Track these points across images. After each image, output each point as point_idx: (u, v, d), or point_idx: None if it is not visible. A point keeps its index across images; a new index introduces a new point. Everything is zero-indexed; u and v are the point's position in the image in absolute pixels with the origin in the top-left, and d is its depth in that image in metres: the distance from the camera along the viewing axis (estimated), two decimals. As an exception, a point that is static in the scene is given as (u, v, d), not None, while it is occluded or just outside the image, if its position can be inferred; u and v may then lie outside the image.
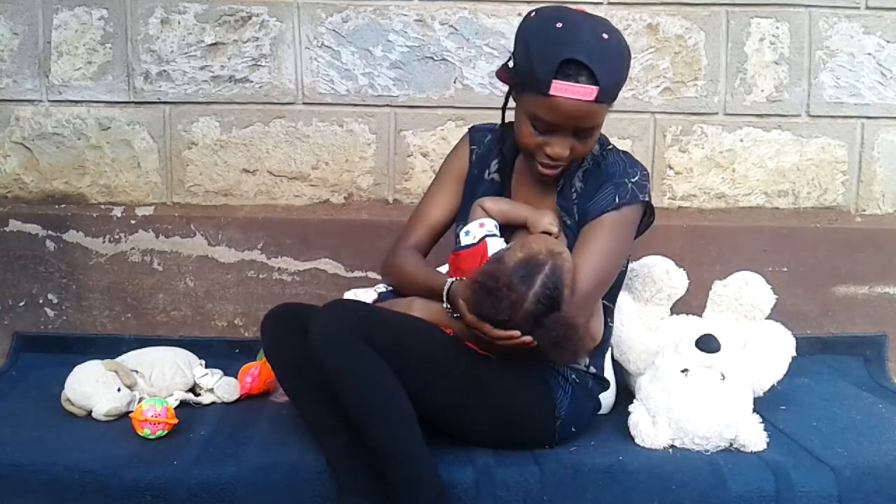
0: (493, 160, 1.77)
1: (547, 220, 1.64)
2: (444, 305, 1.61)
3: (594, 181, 1.66)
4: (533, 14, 1.57)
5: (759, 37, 2.32)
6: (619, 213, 1.62)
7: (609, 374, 1.86)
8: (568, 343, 1.47)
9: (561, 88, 1.48)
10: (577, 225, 1.66)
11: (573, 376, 1.67)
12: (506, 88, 1.67)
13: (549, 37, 1.50)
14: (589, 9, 2.21)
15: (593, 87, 1.48)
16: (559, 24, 1.50)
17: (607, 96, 1.52)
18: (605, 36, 1.50)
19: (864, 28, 2.33)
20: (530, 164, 1.64)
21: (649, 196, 1.67)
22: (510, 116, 1.68)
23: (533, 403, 1.64)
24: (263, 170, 2.35)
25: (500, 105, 1.72)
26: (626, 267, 1.80)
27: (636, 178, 1.64)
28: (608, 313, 1.76)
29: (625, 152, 1.71)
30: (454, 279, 1.61)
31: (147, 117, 2.32)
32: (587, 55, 1.47)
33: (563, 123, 1.54)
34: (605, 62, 1.49)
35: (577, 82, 1.48)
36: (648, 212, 1.70)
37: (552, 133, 1.56)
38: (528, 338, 1.49)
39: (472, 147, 1.79)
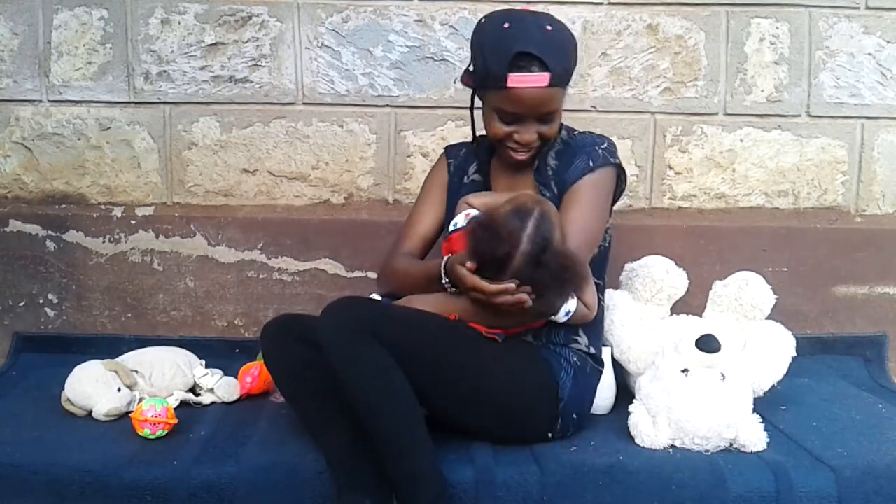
0: (470, 166, 1.87)
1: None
2: (444, 280, 1.64)
3: (567, 156, 1.76)
4: (483, 20, 1.70)
5: (759, 37, 2.32)
6: (595, 175, 1.72)
7: (609, 374, 1.86)
8: (568, 273, 1.55)
9: (517, 80, 1.61)
10: (556, 197, 1.74)
11: (574, 359, 1.71)
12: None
13: (499, 37, 1.64)
14: (589, 10, 2.28)
15: (545, 73, 1.61)
16: (506, 25, 1.64)
17: (560, 80, 1.64)
18: (549, 28, 1.64)
19: (864, 28, 2.33)
20: (504, 154, 1.74)
21: (620, 161, 1.76)
22: (478, 120, 1.77)
23: (537, 385, 1.66)
24: (263, 170, 2.35)
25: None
26: (609, 242, 1.84)
27: (605, 144, 1.76)
28: (600, 291, 1.79)
29: (589, 131, 1.82)
30: (450, 255, 1.65)
31: (147, 117, 2.33)
32: (536, 46, 1.61)
33: (526, 111, 1.66)
34: (553, 50, 1.63)
35: (531, 72, 1.61)
36: (621, 178, 1.79)
37: (518, 122, 1.68)
38: (523, 295, 1.53)
39: (450, 160, 1.91)
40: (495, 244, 1.54)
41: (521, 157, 1.72)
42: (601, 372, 1.81)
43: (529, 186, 1.76)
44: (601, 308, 1.80)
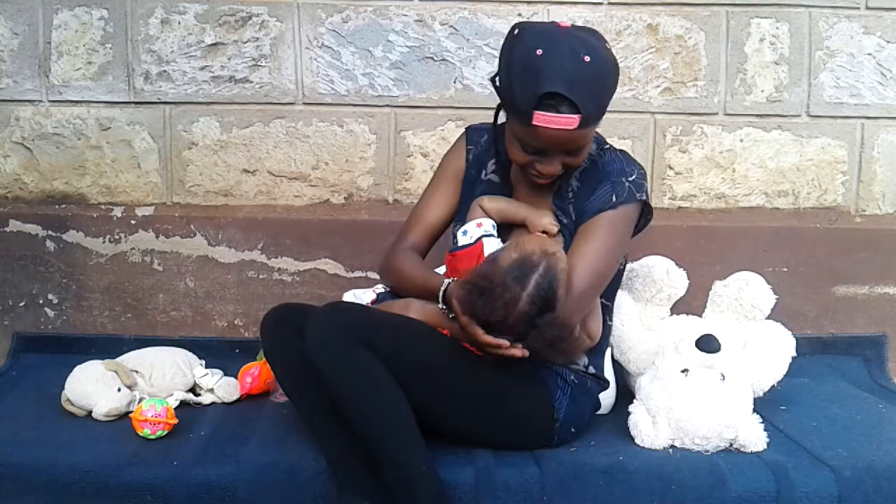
0: (489, 160, 1.77)
1: (546, 220, 1.65)
2: (441, 307, 1.61)
3: (591, 180, 1.66)
4: (516, 33, 1.55)
5: (759, 37, 2.32)
6: (616, 213, 1.62)
7: (609, 374, 1.86)
8: (562, 344, 1.47)
9: (543, 119, 1.49)
10: (573, 224, 1.66)
11: (572, 377, 1.67)
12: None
13: (529, 66, 1.49)
14: (589, 10, 2.27)
15: (575, 116, 1.48)
16: (539, 52, 1.48)
17: (591, 120, 1.52)
18: (587, 59, 1.48)
19: (864, 28, 2.33)
20: (524, 172, 1.65)
21: (647, 195, 1.67)
22: (502, 117, 1.68)
23: (531, 405, 1.64)
24: (263, 170, 2.35)
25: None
26: (625, 266, 1.80)
27: (633, 176, 1.64)
28: (607, 312, 1.76)
29: (622, 151, 1.71)
30: (450, 280, 1.61)
31: (147, 117, 2.32)
32: (567, 86, 1.46)
33: (549, 148, 1.55)
34: (586, 88, 1.48)
35: (559, 113, 1.48)
36: (646, 210, 1.70)
37: (541, 154, 1.57)
38: (517, 350, 1.48)
39: (469, 147, 1.80)
40: (490, 310, 1.47)
41: (541, 182, 1.63)
42: (602, 388, 1.78)
43: (547, 207, 1.68)
44: (607, 328, 1.75)
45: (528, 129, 1.52)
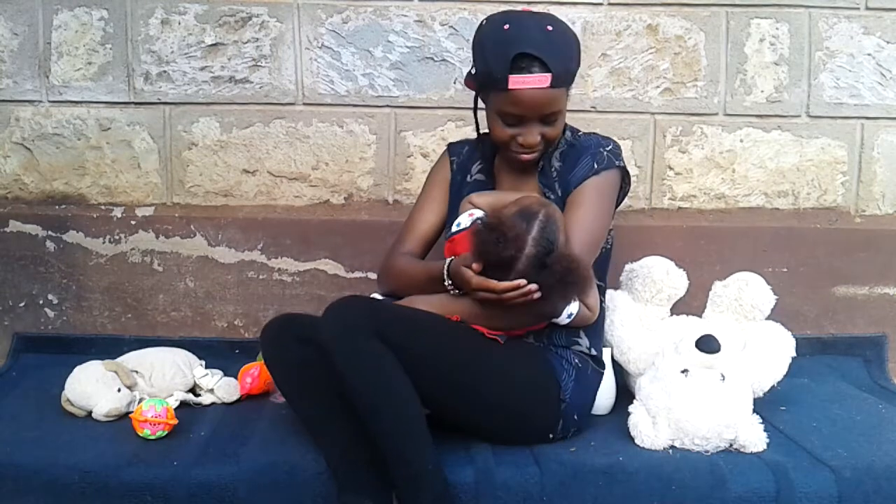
0: (473, 164, 1.86)
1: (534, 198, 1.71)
2: (446, 282, 1.64)
3: (571, 158, 1.76)
4: (484, 22, 1.69)
5: (758, 37, 2.32)
6: (600, 177, 1.72)
7: (609, 374, 1.86)
8: (572, 277, 1.54)
9: (517, 81, 1.60)
10: (560, 199, 1.74)
11: (576, 360, 1.71)
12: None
13: (499, 38, 1.63)
14: (589, 10, 2.28)
15: (546, 74, 1.60)
16: (507, 26, 1.63)
17: (561, 81, 1.63)
18: (550, 28, 1.63)
19: (864, 29, 2.33)
20: (508, 156, 1.73)
21: (624, 163, 1.76)
22: (482, 118, 1.78)
23: (539, 386, 1.67)
24: (263, 170, 2.35)
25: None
26: (611, 244, 1.84)
27: (610, 146, 1.76)
28: (600, 292, 1.79)
29: (594, 133, 1.82)
30: (453, 257, 1.65)
31: (147, 118, 2.33)
32: (536, 47, 1.60)
33: (528, 113, 1.65)
34: (554, 51, 1.61)
35: (531, 73, 1.60)
36: (626, 180, 1.79)
37: (521, 124, 1.67)
38: (533, 286, 1.53)
39: (453, 158, 1.90)
40: (500, 246, 1.54)
41: (525, 157, 1.71)
42: (602, 374, 1.81)
43: (533, 188, 1.76)
44: (602, 309, 1.80)
45: (505, 95, 1.62)
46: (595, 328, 1.78)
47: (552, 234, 1.58)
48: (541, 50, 1.59)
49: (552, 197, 1.74)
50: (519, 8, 1.73)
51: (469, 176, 1.85)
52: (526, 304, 1.56)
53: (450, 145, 1.93)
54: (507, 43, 1.61)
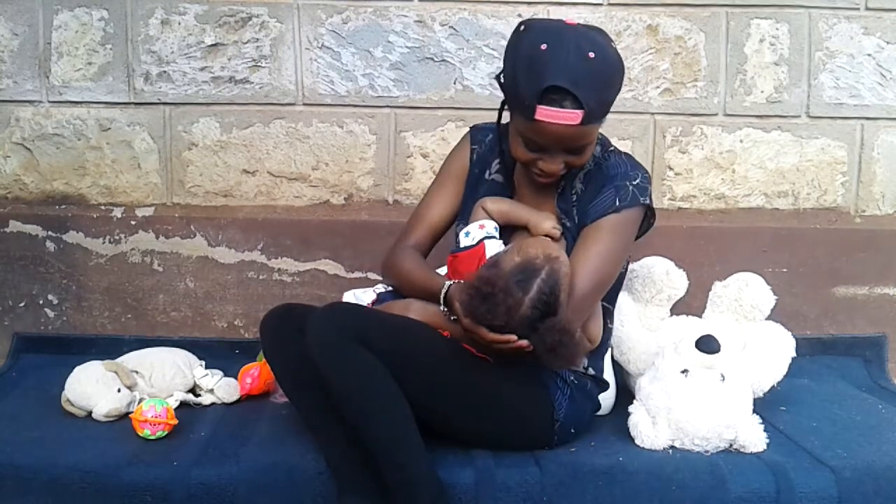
0: (493, 160, 1.77)
1: (549, 223, 1.64)
2: (441, 308, 1.61)
3: (595, 183, 1.66)
4: (522, 29, 1.55)
5: (758, 38, 2.32)
6: (620, 216, 1.62)
7: (609, 374, 1.86)
8: (563, 349, 1.47)
9: (545, 114, 1.49)
10: (576, 227, 1.66)
11: (572, 378, 1.67)
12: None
13: (533, 60, 1.49)
14: (589, 10, 2.27)
15: (578, 111, 1.48)
16: (544, 46, 1.48)
17: (593, 117, 1.51)
18: (592, 55, 1.48)
19: (864, 29, 2.33)
20: (527, 172, 1.65)
21: (650, 199, 1.67)
22: (505, 115, 1.68)
23: (531, 406, 1.64)
24: (263, 171, 2.35)
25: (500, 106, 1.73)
26: (626, 269, 1.80)
27: (637, 180, 1.64)
28: (607, 315, 1.75)
29: (626, 154, 1.71)
30: (452, 282, 1.61)
31: (147, 118, 2.33)
32: (571, 80, 1.46)
33: (552, 145, 1.55)
34: (590, 84, 1.48)
35: (562, 107, 1.48)
36: (649, 214, 1.69)
37: (543, 151, 1.57)
38: (524, 342, 1.48)
39: (473, 147, 1.79)
40: (493, 315, 1.47)
41: (544, 181, 1.62)
42: (602, 390, 1.78)
43: (550, 209, 1.68)
44: (607, 330, 1.75)
45: (530, 124, 1.51)
46: (597, 349, 1.72)
47: (552, 295, 1.49)
48: (576, 84, 1.46)
49: (568, 224, 1.66)
50: (560, 22, 1.55)
51: (487, 172, 1.76)
52: (516, 354, 1.51)
53: (473, 129, 1.82)
54: (541, 69, 1.47)
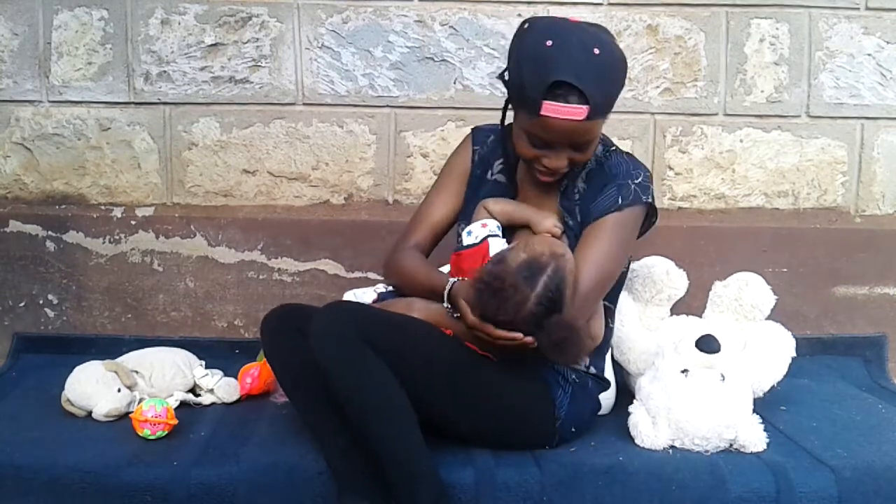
0: (496, 161, 1.77)
1: (550, 222, 1.65)
2: (445, 305, 1.61)
3: (597, 182, 1.66)
4: (526, 27, 1.57)
5: (758, 37, 2.32)
6: (622, 215, 1.62)
7: (609, 374, 1.86)
8: (568, 345, 1.47)
9: (551, 109, 1.49)
10: (579, 226, 1.66)
11: (573, 377, 1.67)
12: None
13: (538, 56, 1.50)
14: (589, 10, 2.27)
15: (583, 106, 1.49)
16: (549, 43, 1.49)
17: (599, 112, 1.52)
18: (597, 51, 1.49)
19: (864, 29, 2.33)
20: (530, 170, 1.65)
21: (652, 198, 1.67)
22: (510, 118, 1.69)
23: (532, 404, 1.64)
24: (263, 170, 2.35)
25: (501, 106, 1.73)
26: (628, 268, 1.80)
27: (639, 179, 1.64)
28: (609, 314, 1.76)
29: (628, 153, 1.71)
30: (456, 279, 1.61)
31: (147, 118, 2.33)
32: (576, 75, 1.47)
33: (558, 140, 1.55)
34: (595, 80, 1.49)
35: (568, 102, 1.49)
36: (651, 213, 1.70)
37: (548, 147, 1.57)
38: (529, 338, 1.49)
39: (475, 147, 1.80)
40: (501, 310, 1.48)
41: (547, 179, 1.63)
42: (603, 389, 1.78)
43: (553, 209, 1.69)
44: (609, 330, 1.76)
45: (536, 120, 1.52)
46: (599, 348, 1.73)
47: (557, 291, 1.50)
48: (581, 79, 1.47)
49: (570, 222, 1.67)
50: (564, 19, 1.57)
51: (490, 173, 1.77)
52: (521, 350, 1.52)
53: (475, 130, 1.83)
54: (547, 64, 1.48)
